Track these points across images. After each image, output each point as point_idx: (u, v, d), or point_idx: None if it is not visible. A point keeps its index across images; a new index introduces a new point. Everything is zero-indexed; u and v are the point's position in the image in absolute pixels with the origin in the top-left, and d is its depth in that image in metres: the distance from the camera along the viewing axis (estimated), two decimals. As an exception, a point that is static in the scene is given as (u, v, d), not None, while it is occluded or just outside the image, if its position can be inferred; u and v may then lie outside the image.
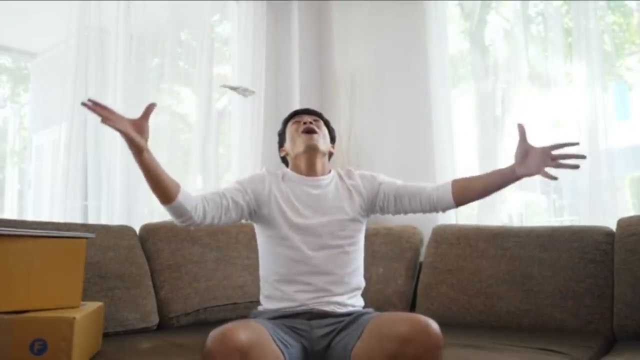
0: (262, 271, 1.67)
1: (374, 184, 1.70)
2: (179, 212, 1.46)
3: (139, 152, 1.34)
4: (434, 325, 1.25)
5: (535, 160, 1.48)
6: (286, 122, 1.79)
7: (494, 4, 2.71)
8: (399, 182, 1.71)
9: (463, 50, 2.85)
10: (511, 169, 1.54)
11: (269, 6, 3.01)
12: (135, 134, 1.32)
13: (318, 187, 1.66)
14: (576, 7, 2.28)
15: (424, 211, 1.67)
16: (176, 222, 1.50)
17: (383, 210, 1.71)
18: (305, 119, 1.71)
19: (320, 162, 1.69)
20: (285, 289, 1.57)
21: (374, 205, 1.70)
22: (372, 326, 1.38)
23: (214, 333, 1.23)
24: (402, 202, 1.67)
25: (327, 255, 1.58)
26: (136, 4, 2.56)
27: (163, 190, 1.41)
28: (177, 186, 1.45)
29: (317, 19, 3.18)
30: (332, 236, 1.60)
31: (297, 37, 3.07)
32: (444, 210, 1.67)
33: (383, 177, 1.72)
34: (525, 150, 1.50)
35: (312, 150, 1.66)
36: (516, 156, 1.52)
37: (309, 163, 1.67)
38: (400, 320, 1.30)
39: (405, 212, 1.70)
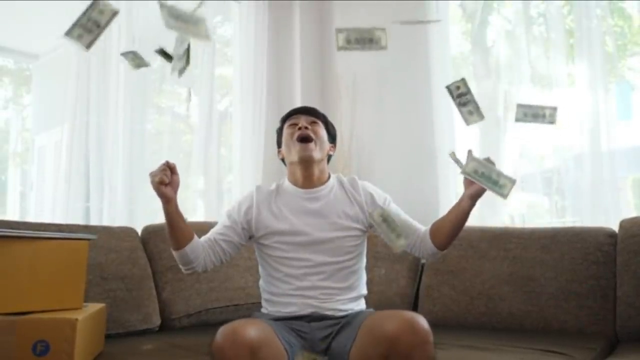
0: (262, 283, 1.67)
1: (376, 206, 1.63)
2: (183, 260, 1.55)
3: (167, 201, 1.45)
4: (421, 320, 1.25)
5: None
6: (284, 120, 1.73)
7: (495, 4, 2.71)
8: (402, 214, 1.66)
9: (465, 51, 2.85)
10: (462, 196, 1.50)
11: (270, 7, 3.01)
12: (166, 188, 1.44)
13: (316, 199, 1.63)
14: (578, 8, 2.28)
15: (412, 254, 1.66)
16: (182, 269, 1.59)
17: (375, 231, 1.67)
18: (301, 122, 1.64)
19: (317, 170, 1.64)
20: (285, 300, 1.57)
21: (370, 225, 1.65)
22: (364, 327, 1.38)
23: (224, 329, 1.23)
24: None
25: (326, 272, 1.57)
26: (138, 4, 2.56)
27: (176, 239, 1.52)
28: (190, 239, 1.53)
29: (318, 20, 3.18)
30: (331, 253, 1.58)
31: (298, 38, 3.07)
32: (429, 257, 1.64)
33: (388, 201, 1.68)
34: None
35: (307, 161, 1.62)
36: (464, 183, 1.49)
37: (304, 173, 1.63)
38: (387, 319, 1.30)
39: None
